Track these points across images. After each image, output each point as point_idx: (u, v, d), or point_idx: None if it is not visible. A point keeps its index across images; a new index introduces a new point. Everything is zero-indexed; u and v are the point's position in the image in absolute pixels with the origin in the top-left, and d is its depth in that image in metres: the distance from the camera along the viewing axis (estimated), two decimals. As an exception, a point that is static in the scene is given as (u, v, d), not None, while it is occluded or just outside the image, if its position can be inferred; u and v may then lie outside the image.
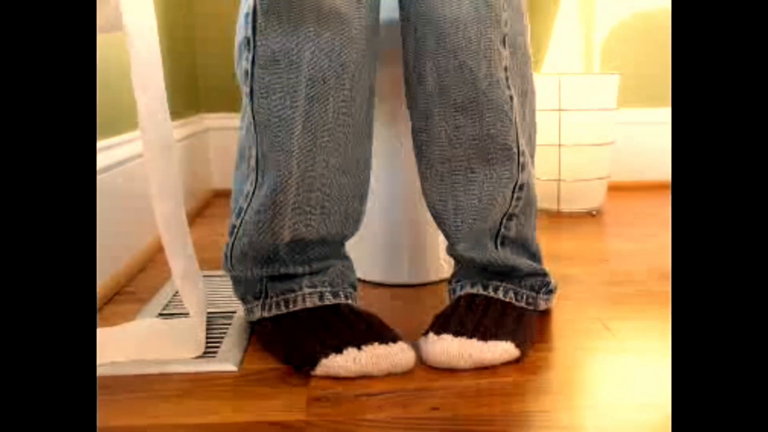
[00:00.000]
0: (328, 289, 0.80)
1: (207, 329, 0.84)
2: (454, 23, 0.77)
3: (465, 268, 0.86)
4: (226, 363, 0.75)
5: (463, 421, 0.63)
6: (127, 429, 0.63)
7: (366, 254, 1.05)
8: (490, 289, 0.82)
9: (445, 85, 0.79)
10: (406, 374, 0.73)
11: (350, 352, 0.71)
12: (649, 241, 1.29)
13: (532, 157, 0.87)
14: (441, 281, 1.05)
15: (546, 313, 0.89)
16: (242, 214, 0.79)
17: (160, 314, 0.91)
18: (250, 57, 0.76)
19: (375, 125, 0.98)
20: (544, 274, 0.85)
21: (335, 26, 0.75)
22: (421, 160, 0.84)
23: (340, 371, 0.71)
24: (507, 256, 0.83)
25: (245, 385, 0.71)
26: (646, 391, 0.68)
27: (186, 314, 0.84)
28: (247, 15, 0.76)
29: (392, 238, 1.04)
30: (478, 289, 0.82)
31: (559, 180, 1.54)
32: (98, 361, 0.76)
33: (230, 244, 0.81)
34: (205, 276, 1.05)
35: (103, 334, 0.80)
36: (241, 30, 0.78)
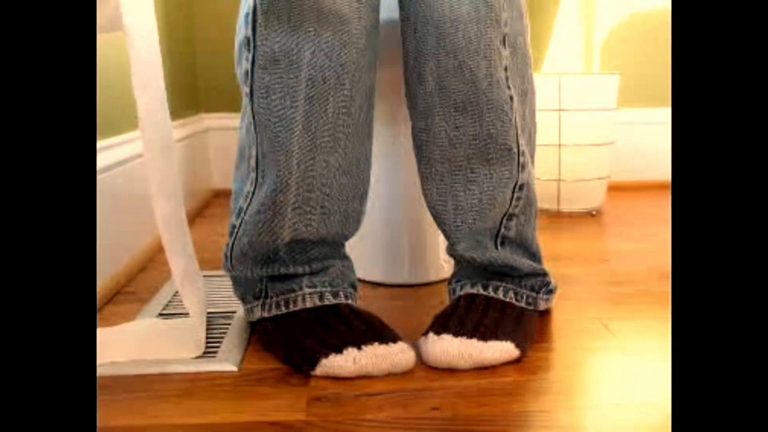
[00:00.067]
0: (328, 289, 0.80)
1: (207, 329, 0.84)
2: (454, 23, 0.77)
3: (465, 268, 0.86)
4: (226, 363, 0.75)
5: (463, 421, 0.63)
6: (127, 429, 0.63)
7: (366, 254, 1.05)
8: (490, 289, 0.82)
9: (445, 85, 0.79)
10: (406, 374, 0.73)
11: (350, 352, 0.71)
12: (649, 241, 1.29)
13: (532, 157, 0.87)
14: (441, 281, 1.05)
15: (546, 313, 0.89)
16: (242, 214, 0.79)
17: (160, 314, 0.91)
18: (250, 57, 0.76)
19: (375, 125, 0.98)
20: (544, 274, 0.85)
21: (335, 26, 0.75)
22: (421, 160, 0.84)
23: (339, 371, 0.71)
24: (507, 256, 0.83)
25: (245, 385, 0.71)
26: (646, 391, 0.68)
27: (186, 314, 0.84)
28: (247, 15, 0.76)
29: (392, 238, 1.04)
30: (478, 289, 0.82)
31: (559, 180, 1.54)
32: (98, 361, 0.76)
33: (230, 244, 0.81)
34: (205, 276, 1.05)
35: (103, 334, 0.80)
36: (241, 30, 0.78)
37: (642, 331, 0.84)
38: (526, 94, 0.85)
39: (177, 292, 0.98)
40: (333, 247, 0.83)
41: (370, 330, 0.75)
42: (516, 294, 0.83)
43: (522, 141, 0.82)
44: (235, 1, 1.81)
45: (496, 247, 0.84)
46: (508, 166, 0.81)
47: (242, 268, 0.80)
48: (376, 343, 0.72)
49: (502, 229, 0.84)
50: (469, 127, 0.80)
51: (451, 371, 0.73)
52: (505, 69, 0.80)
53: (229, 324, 0.87)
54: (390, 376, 0.72)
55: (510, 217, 0.84)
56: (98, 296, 0.95)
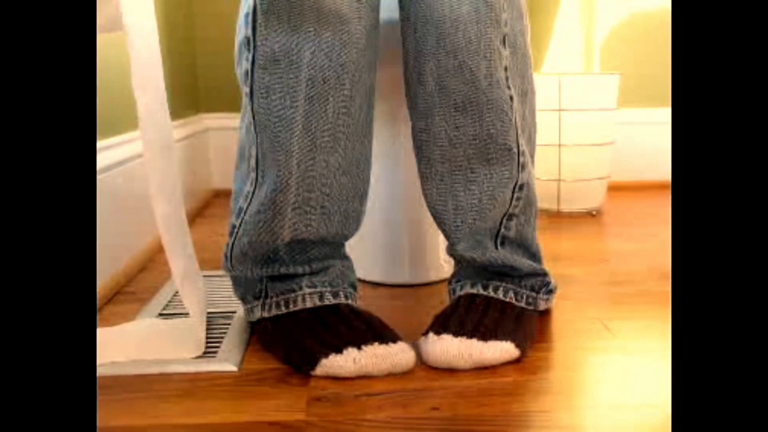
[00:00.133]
0: (328, 289, 0.80)
1: (207, 329, 0.84)
2: (454, 23, 0.77)
3: (465, 268, 0.86)
4: (226, 363, 0.75)
5: (463, 421, 0.63)
6: (127, 429, 0.63)
7: (366, 254, 1.05)
8: (490, 289, 0.82)
9: (445, 85, 0.79)
10: (406, 374, 0.73)
11: (350, 352, 0.71)
12: (649, 241, 1.29)
13: (532, 157, 0.87)
14: (441, 281, 1.05)
15: (546, 313, 0.89)
16: (242, 214, 0.79)
17: (160, 314, 0.91)
18: (250, 57, 0.76)
19: (375, 125, 0.98)
20: (545, 274, 0.85)
21: (335, 26, 0.75)
22: (421, 160, 0.84)
23: (339, 371, 0.71)
24: (507, 256, 0.83)
25: (245, 385, 0.71)
26: (646, 391, 0.68)
27: (186, 314, 0.84)
28: (247, 15, 0.76)
29: (392, 238, 1.04)
30: (478, 289, 0.82)
31: (559, 180, 1.54)
32: (98, 361, 0.76)
33: (230, 244, 0.81)
34: (205, 276, 1.05)
35: (103, 334, 0.80)
36: (241, 30, 0.78)
37: (642, 331, 0.84)
38: (526, 94, 0.85)
39: (177, 292, 0.98)
40: (333, 247, 0.83)
41: (370, 330, 0.75)
42: (516, 294, 0.83)
43: (522, 141, 0.82)
44: (235, 1, 1.81)
45: (496, 247, 0.84)
46: (508, 166, 0.81)
47: (242, 268, 0.80)
48: (376, 343, 0.72)
49: (502, 229, 0.84)
50: (469, 127, 0.80)
51: (451, 371, 0.73)
52: (505, 69, 0.80)
53: (229, 324, 0.87)
54: (390, 376, 0.72)
55: (510, 217, 0.84)
56: (98, 296, 0.95)
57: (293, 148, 0.76)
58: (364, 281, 1.05)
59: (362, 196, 0.83)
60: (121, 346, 0.78)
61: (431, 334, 0.75)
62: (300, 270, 0.80)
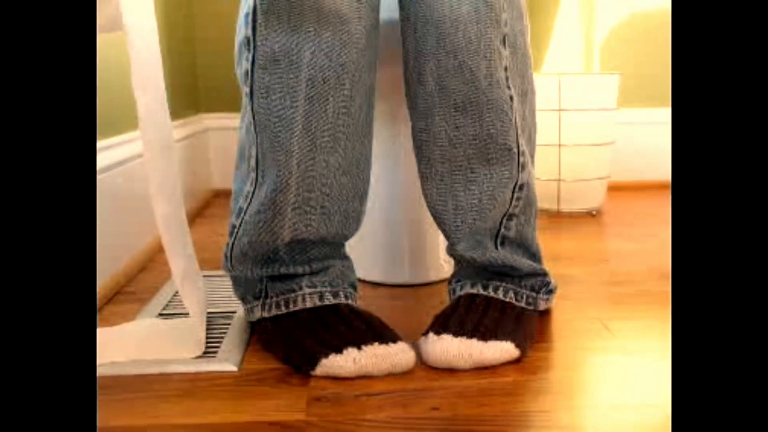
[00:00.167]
0: (328, 289, 0.80)
1: (207, 329, 0.84)
2: (454, 23, 0.77)
3: (465, 268, 0.86)
4: (226, 363, 0.75)
5: (463, 421, 0.63)
6: (127, 429, 0.63)
7: (366, 254, 1.05)
8: (490, 289, 0.82)
9: (445, 85, 0.79)
10: (406, 374, 0.73)
11: (350, 353, 0.71)
12: (649, 241, 1.29)
13: (532, 157, 0.87)
14: (441, 281, 1.05)
15: (546, 313, 0.89)
16: (242, 214, 0.79)
17: (160, 314, 0.91)
18: (250, 57, 0.76)
19: (375, 125, 0.98)
20: (544, 274, 0.85)
21: (335, 26, 0.75)
22: (421, 159, 0.84)
23: (339, 371, 0.71)
24: (507, 256, 0.83)
25: (245, 385, 0.71)
26: (646, 391, 0.68)
27: (186, 314, 0.84)
28: (247, 15, 0.76)
29: (392, 238, 1.04)
30: (478, 289, 0.82)
31: (559, 180, 1.54)
32: (98, 361, 0.76)
33: (230, 244, 0.81)
34: (205, 276, 1.05)
35: (103, 334, 0.80)
36: (241, 30, 0.78)
37: (642, 331, 0.84)
38: (526, 94, 0.85)
39: (177, 292, 0.98)
40: (333, 247, 0.83)
41: (370, 330, 0.75)
42: (516, 294, 0.83)
43: (522, 141, 0.82)
44: (235, 1, 1.81)
45: (496, 247, 0.84)
46: (508, 166, 0.81)
47: (242, 268, 0.80)
48: (376, 343, 0.72)
49: (502, 229, 0.84)
50: (469, 127, 0.80)
51: (451, 371, 0.73)
52: (505, 69, 0.80)
53: (229, 324, 0.87)
54: (390, 376, 0.72)
55: (510, 217, 0.84)
56: (98, 296, 0.95)
57: (293, 148, 0.76)
58: (364, 281, 1.05)
59: (362, 196, 0.83)
60: (121, 346, 0.78)
61: (431, 334, 0.75)
62: (300, 270, 0.80)
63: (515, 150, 0.81)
